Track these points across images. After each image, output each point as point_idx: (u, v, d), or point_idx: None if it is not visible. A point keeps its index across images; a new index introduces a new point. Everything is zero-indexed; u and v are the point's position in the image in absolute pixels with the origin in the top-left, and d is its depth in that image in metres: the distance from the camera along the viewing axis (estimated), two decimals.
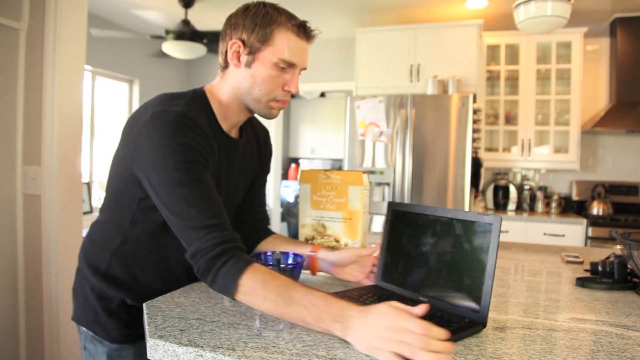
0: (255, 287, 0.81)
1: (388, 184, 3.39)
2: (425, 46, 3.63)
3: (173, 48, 3.61)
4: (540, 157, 3.74)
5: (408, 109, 3.32)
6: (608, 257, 1.23)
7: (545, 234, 3.44)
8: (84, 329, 1.04)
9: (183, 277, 1.05)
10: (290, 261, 1.12)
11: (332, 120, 6.02)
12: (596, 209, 3.56)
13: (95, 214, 1.12)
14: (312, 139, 6.17)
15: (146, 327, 0.82)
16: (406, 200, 3.34)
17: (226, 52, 0.99)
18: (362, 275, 1.09)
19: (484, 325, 0.83)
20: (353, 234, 1.22)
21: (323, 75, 4.52)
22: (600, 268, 1.21)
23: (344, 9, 3.78)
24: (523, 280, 1.29)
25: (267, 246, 1.20)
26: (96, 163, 4.24)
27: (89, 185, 3.94)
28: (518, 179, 4.06)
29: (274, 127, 4.77)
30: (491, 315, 0.93)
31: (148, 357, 0.77)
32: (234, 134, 1.07)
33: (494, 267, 0.86)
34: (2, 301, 1.90)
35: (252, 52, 0.97)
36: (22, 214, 1.97)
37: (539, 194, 3.81)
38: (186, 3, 3.61)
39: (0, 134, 1.90)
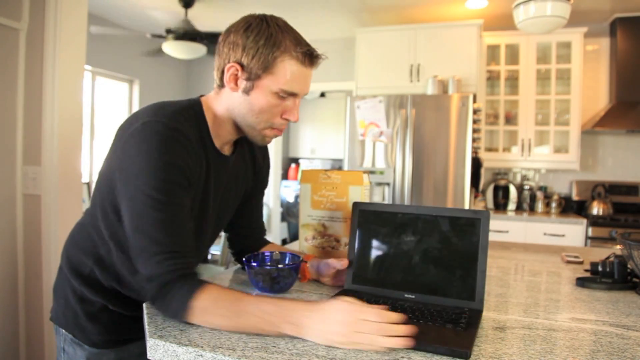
0: (207, 305, 0.78)
1: (388, 184, 3.39)
2: (425, 46, 3.64)
3: (173, 48, 3.61)
4: (540, 157, 3.74)
5: (408, 109, 3.32)
6: (608, 257, 1.23)
7: (545, 234, 3.44)
8: (64, 331, 1.01)
9: None
10: (287, 261, 1.13)
11: (332, 120, 6.02)
12: (596, 209, 3.56)
13: None
14: (312, 139, 6.17)
15: (146, 327, 0.81)
16: (406, 200, 3.34)
17: (223, 71, 0.92)
18: (340, 282, 1.09)
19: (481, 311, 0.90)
20: None
21: (323, 75, 4.53)
22: (600, 268, 1.21)
23: (344, 9, 3.78)
24: (523, 280, 1.29)
25: None
26: (96, 163, 4.24)
27: (89, 185, 3.94)
28: (518, 179, 4.06)
29: None
30: (491, 315, 0.93)
31: (148, 357, 0.77)
32: (226, 149, 1.02)
33: (486, 252, 0.92)
34: (2, 301, 1.90)
35: (252, 78, 0.90)
36: (22, 214, 1.97)
37: (539, 194, 3.81)
38: (186, 3, 3.61)
39: (0, 134, 1.90)
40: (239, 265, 1.32)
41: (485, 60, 3.83)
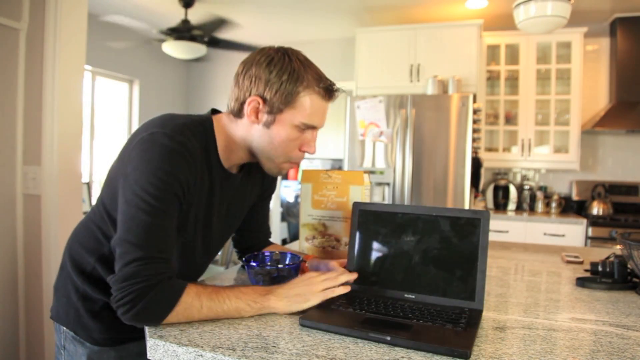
0: (190, 301, 0.82)
1: (388, 184, 3.39)
2: (425, 46, 3.63)
3: (173, 48, 3.61)
4: (540, 157, 3.74)
5: (408, 109, 3.32)
6: (608, 257, 1.23)
7: (545, 234, 3.44)
8: (65, 328, 1.01)
9: None
10: (287, 261, 1.13)
11: (332, 120, 6.02)
12: (596, 209, 3.56)
13: None
14: None
15: (146, 327, 0.82)
16: (406, 200, 3.34)
17: (242, 102, 0.93)
18: None
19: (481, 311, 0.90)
20: None
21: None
22: (600, 268, 1.21)
23: (344, 9, 3.78)
24: (523, 280, 1.29)
25: None
26: (96, 163, 4.24)
27: (89, 185, 3.94)
28: (518, 179, 4.06)
29: None
30: (491, 315, 0.93)
31: (148, 356, 0.78)
32: (234, 168, 1.03)
33: (486, 252, 0.93)
34: (2, 301, 1.90)
35: (273, 112, 0.92)
36: (22, 214, 1.97)
37: (539, 194, 3.81)
38: (186, 3, 3.61)
39: (0, 134, 1.90)
40: (239, 265, 1.32)
41: (485, 60, 3.83)
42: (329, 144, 6.14)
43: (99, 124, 4.29)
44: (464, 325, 0.80)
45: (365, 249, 1.05)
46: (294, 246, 1.55)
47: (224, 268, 3.71)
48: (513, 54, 3.83)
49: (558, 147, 3.75)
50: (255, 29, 4.36)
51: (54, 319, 1.05)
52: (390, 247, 1.02)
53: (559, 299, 1.08)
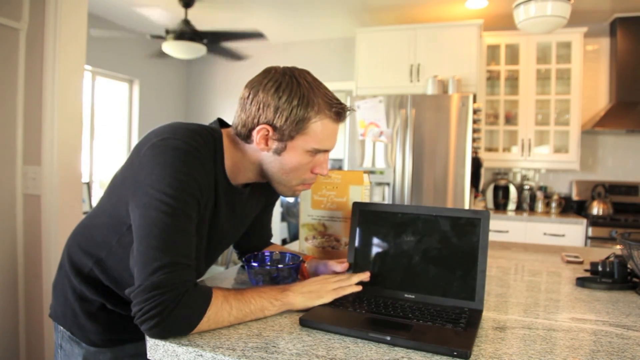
0: (219, 305, 0.81)
1: (388, 184, 3.39)
2: (425, 46, 3.63)
3: (173, 48, 3.61)
4: (540, 157, 3.74)
5: (408, 109, 3.32)
6: (608, 257, 1.23)
7: (545, 234, 3.44)
8: (62, 328, 1.01)
9: None
10: (287, 261, 1.13)
11: None
12: (596, 209, 3.56)
13: None
14: None
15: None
16: (406, 200, 3.34)
17: (251, 129, 0.90)
18: None
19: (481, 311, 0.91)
20: None
21: (323, 75, 4.50)
22: (600, 268, 1.21)
23: (344, 9, 3.78)
24: (523, 280, 1.29)
25: None
26: (96, 163, 4.25)
27: (89, 185, 3.94)
28: (518, 179, 4.06)
29: None
30: (491, 315, 0.93)
31: (148, 356, 0.77)
32: (239, 184, 1.01)
33: (486, 252, 0.93)
34: (2, 301, 1.90)
35: (284, 139, 0.89)
36: (22, 214, 1.97)
37: (539, 194, 3.81)
38: (186, 3, 3.61)
39: (0, 134, 1.90)
40: (239, 265, 1.32)
41: (485, 60, 3.83)
42: None
43: (99, 124, 4.29)
44: (464, 325, 0.80)
45: (365, 249, 1.05)
46: (294, 246, 1.55)
47: (224, 268, 3.72)
48: (513, 54, 3.83)
49: (558, 147, 3.75)
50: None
51: (52, 317, 1.05)
52: (390, 247, 1.02)
53: (559, 299, 1.08)
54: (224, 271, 1.27)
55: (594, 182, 3.79)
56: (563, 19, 1.99)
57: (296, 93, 0.87)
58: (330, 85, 5.28)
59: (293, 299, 0.89)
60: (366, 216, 1.06)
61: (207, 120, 4.64)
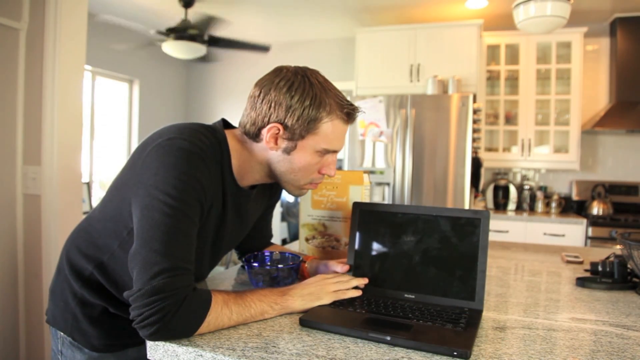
0: (219, 310, 0.80)
1: (388, 184, 3.39)
2: (425, 46, 3.63)
3: (173, 48, 3.61)
4: (540, 157, 3.74)
5: (408, 109, 3.32)
6: (608, 257, 1.23)
7: (545, 234, 3.44)
8: (62, 333, 0.99)
9: None
10: (287, 261, 1.13)
11: None
12: (596, 209, 3.56)
13: None
14: None
15: None
16: (406, 200, 3.34)
17: (261, 128, 0.90)
18: None
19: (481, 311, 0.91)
20: None
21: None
22: (600, 268, 1.21)
23: (344, 9, 3.78)
24: (523, 280, 1.29)
25: None
26: (96, 163, 4.25)
27: (89, 185, 3.94)
28: (518, 179, 4.06)
29: None
30: (491, 315, 0.93)
31: (148, 357, 0.77)
32: (245, 185, 1.01)
33: (486, 252, 0.93)
34: (2, 301, 1.90)
35: (294, 139, 0.89)
36: (22, 214, 1.97)
37: (539, 194, 3.81)
38: (186, 3, 3.61)
39: (0, 134, 1.90)
40: (239, 265, 1.32)
41: (485, 60, 3.83)
42: None
43: (99, 124, 4.29)
44: (464, 325, 0.80)
45: (365, 249, 1.05)
46: (294, 246, 1.55)
47: (224, 268, 3.71)
48: (513, 54, 3.83)
49: (558, 147, 3.75)
50: (255, 29, 4.36)
51: (50, 323, 1.02)
52: (390, 247, 1.02)
53: (559, 299, 1.08)
54: (224, 271, 1.27)
55: (594, 182, 3.79)
56: (563, 19, 1.99)
57: (308, 93, 0.87)
58: None
59: (292, 302, 0.90)
60: (366, 216, 1.06)
61: (207, 120, 4.62)
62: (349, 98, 0.98)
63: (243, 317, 0.84)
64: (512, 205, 3.88)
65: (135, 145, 4.61)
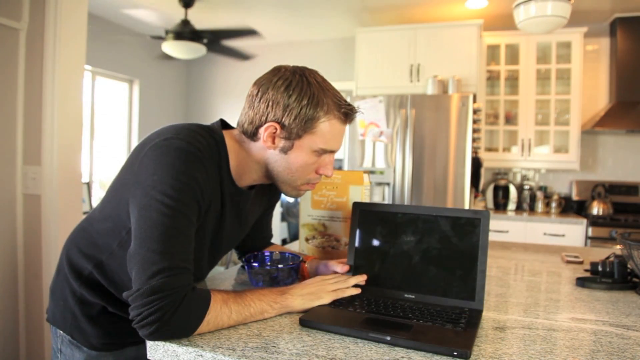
0: (219, 309, 0.80)
1: (388, 184, 3.39)
2: (425, 46, 3.63)
3: (173, 48, 3.61)
4: (540, 157, 3.74)
5: (408, 109, 3.32)
6: (608, 257, 1.23)
7: (545, 234, 3.44)
8: (61, 332, 0.99)
9: None
10: (287, 261, 1.13)
11: None
12: (596, 209, 3.56)
13: None
14: None
15: None
16: (406, 200, 3.34)
17: (258, 127, 0.90)
18: None
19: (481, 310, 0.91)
20: None
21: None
22: (600, 268, 1.21)
23: (344, 9, 3.78)
24: (523, 280, 1.29)
25: None
26: (96, 163, 4.24)
27: (89, 185, 3.94)
28: (518, 179, 4.06)
29: None
30: (491, 315, 0.93)
31: (148, 357, 0.77)
32: (244, 185, 1.00)
33: (486, 252, 0.93)
34: (2, 301, 1.90)
35: (291, 138, 0.89)
36: (22, 214, 1.97)
37: (539, 194, 3.81)
38: (186, 3, 3.61)
39: (0, 134, 1.90)
40: (239, 265, 1.32)
41: (485, 60, 3.83)
42: None
43: (99, 124, 4.29)
44: (464, 325, 0.80)
45: (365, 249, 1.05)
46: (294, 246, 1.55)
47: (224, 268, 3.71)
48: (513, 54, 3.83)
49: (558, 147, 3.75)
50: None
51: (50, 321, 1.03)
52: (390, 247, 1.02)
53: (559, 299, 1.08)
54: (224, 271, 1.27)
55: (594, 182, 3.79)
56: (563, 19, 1.99)
57: (306, 92, 0.87)
58: None
59: (292, 302, 0.90)
60: (366, 216, 1.06)
61: (207, 120, 4.62)
62: (348, 98, 0.98)
63: (243, 316, 0.83)
64: (512, 205, 3.88)
65: (135, 145, 4.61)
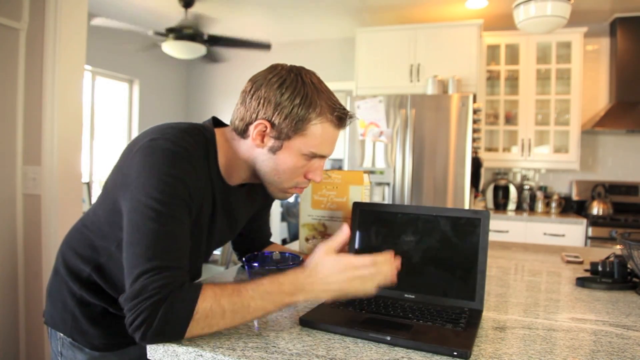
0: (209, 307, 0.74)
1: (388, 184, 3.39)
2: (425, 46, 3.63)
3: (173, 48, 3.61)
4: (540, 157, 3.74)
5: (408, 109, 3.32)
6: (608, 257, 1.23)
7: (545, 234, 3.44)
8: (61, 334, 0.98)
9: None
10: (287, 261, 1.13)
11: None
12: (596, 209, 3.56)
13: None
14: None
15: None
16: (406, 200, 3.34)
17: (248, 124, 0.88)
18: None
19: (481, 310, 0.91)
20: None
21: (323, 75, 4.46)
22: (600, 268, 1.21)
23: (344, 9, 3.78)
24: (523, 280, 1.29)
25: None
26: (96, 163, 4.25)
27: (89, 185, 3.94)
28: (518, 179, 4.06)
29: None
30: (491, 315, 0.93)
31: (148, 357, 0.77)
32: (235, 182, 0.99)
33: (486, 252, 0.93)
34: (2, 301, 1.90)
35: (281, 138, 0.86)
36: (22, 214, 1.97)
37: (539, 194, 3.81)
38: (186, 3, 3.61)
39: (0, 134, 1.90)
40: (239, 265, 1.32)
41: (485, 60, 3.83)
42: None
43: (99, 124, 4.29)
44: (464, 325, 0.80)
45: (366, 249, 1.05)
46: (294, 246, 1.55)
47: (224, 268, 3.71)
48: (513, 54, 3.83)
49: (558, 147, 3.75)
50: (255, 29, 4.36)
51: (49, 324, 1.01)
52: (390, 247, 1.02)
53: (559, 299, 1.08)
54: (224, 271, 1.27)
55: (594, 182, 3.79)
56: (563, 19, 1.99)
57: (299, 92, 0.85)
58: (330, 85, 5.32)
59: (305, 301, 0.81)
60: (366, 216, 1.06)
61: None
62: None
63: (241, 314, 0.77)
64: (512, 205, 3.88)
65: None
